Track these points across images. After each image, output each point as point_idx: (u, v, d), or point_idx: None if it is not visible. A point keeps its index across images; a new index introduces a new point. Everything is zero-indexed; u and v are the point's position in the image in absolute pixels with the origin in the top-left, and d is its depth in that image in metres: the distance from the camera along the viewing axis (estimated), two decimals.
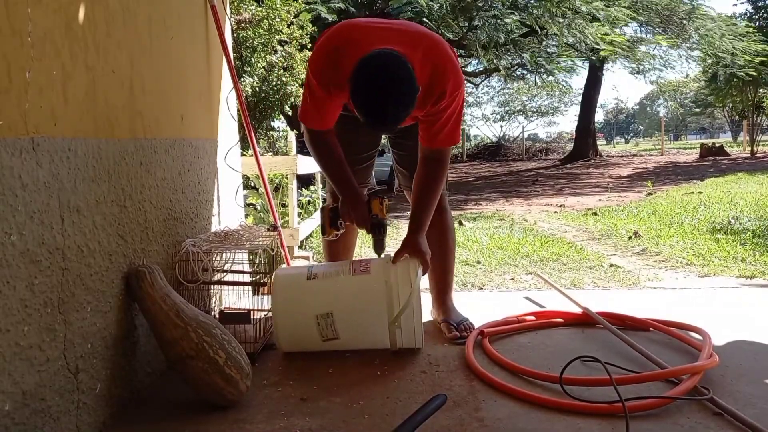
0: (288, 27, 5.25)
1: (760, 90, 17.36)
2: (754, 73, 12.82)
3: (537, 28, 9.90)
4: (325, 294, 1.95)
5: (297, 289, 1.98)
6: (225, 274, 2.08)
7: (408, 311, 1.89)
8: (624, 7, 10.46)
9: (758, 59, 12.14)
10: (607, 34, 10.22)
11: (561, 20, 9.58)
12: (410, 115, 1.75)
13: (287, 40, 5.32)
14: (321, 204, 2.55)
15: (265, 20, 5.05)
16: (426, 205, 2.02)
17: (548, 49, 12.23)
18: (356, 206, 2.00)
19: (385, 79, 1.65)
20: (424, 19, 8.76)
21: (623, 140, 56.42)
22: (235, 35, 4.43)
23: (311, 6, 7.49)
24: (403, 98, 1.68)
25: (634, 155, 21.19)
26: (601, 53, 10.98)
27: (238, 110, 2.72)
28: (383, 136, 2.34)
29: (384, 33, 1.84)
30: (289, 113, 5.93)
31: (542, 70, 12.13)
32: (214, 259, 2.02)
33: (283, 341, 1.98)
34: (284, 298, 1.95)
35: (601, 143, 33.42)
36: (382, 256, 2.04)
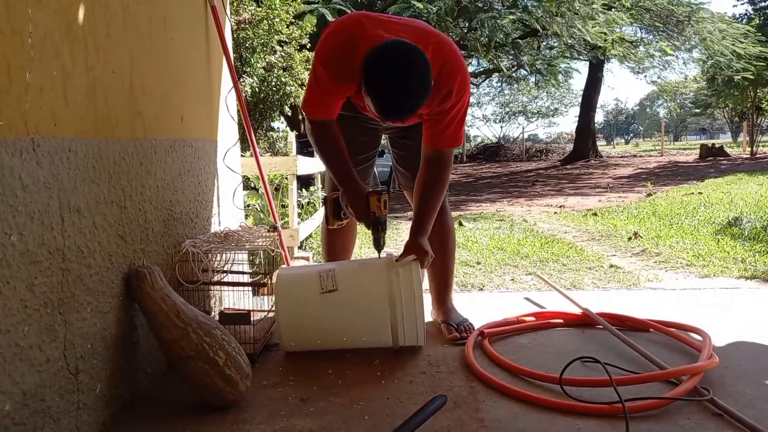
0: (287, 27, 5.25)
1: (761, 90, 17.36)
2: (751, 77, 12.83)
3: (538, 28, 9.91)
4: (330, 264, 2.15)
5: (304, 267, 2.39)
6: (225, 274, 2.08)
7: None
8: (625, 7, 10.47)
9: (757, 64, 12.14)
10: (605, 33, 10.22)
11: (560, 20, 9.59)
12: (420, 109, 1.73)
13: (287, 40, 5.33)
14: (321, 202, 2.59)
15: (265, 20, 5.04)
16: (429, 208, 2.00)
17: (547, 51, 12.23)
18: (356, 201, 1.98)
19: (403, 67, 1.62)
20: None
21: (623, 141, 56.43)
22: (234, 36, 4.43)
23: (314, 6, 7.49)
24: (420, 86, 1.65)
25: (634, 156, 21.18)
26: (604, 51, 10.97)
27: (237, 111, 2.72)
28: (383, 136, 2.33)
29: (394, 26, 1.83)
30: (289, 113, 5.94)
31: (540, 73, 12.13)
32: (214, 259, 2.02)
33: (281, 294, 1.97)
34: (291, 269, 2.21)
35: (601, 144, 33.42)
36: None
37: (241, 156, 2.91)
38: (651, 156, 20.56)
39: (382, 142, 2.48)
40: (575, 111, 31.01)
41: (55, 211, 1.30)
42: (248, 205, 3.83)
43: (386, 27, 1.81)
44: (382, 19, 1.89)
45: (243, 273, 2.14)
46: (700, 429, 1.43)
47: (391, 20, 1.89)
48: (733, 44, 11.97)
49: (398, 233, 5.40)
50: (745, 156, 16.96)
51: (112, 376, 1.54)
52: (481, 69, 15.88)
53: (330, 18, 8.19)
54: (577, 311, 2.32)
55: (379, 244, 2.01)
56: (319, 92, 1.90)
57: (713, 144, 18.82)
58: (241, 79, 4.74)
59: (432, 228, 2.08)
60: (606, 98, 65.81)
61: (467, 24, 10.09)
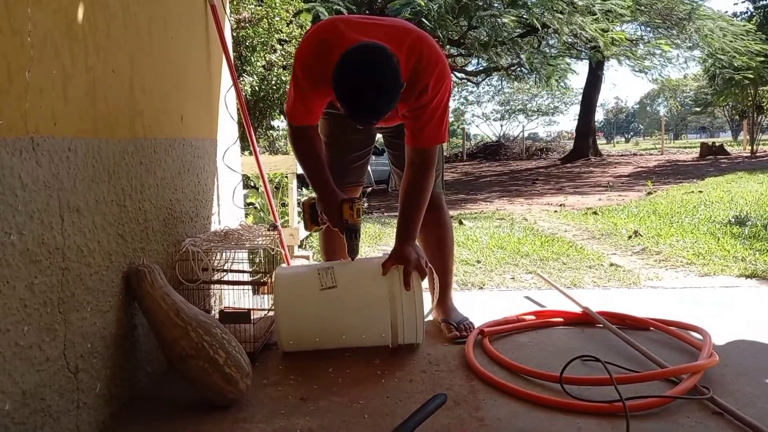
0: (287, 26, 5.25)
1: (761, 89, 17.35)
2: (751, 76, 12.82)
3: (538, 26, 9.89)
4: (329, 262, 2.15)
5: (302, 266, 2.46)
6: (225, 273, 2.08)
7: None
8: (625, 6, 10.45)
9: (758, 59, 12.13)
10: (606, 30, 10.18)
11: (561, 16, 9.56)
12: (393, 109, 1.72)
13: (287, 39, 5.33)
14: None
15: (265, 19, 5.04)
16: (413, 213, 1.98)
17: (546, 51, 12.21)
18: (329, 208, 2.00)
19: (367, 70, 1.62)
20: (423, 20, 8.75)
21: (623, 139, 56.41)
22: (234, 34, 4.43)
23: (311, 4, 7.48)
24: (384, 89, 1.65)
25: (634, 154, 21.16)
26: (603, 53, 10.95)
27: (237, 109, 2.72)
28: (378, 135, 2.33)
29: (370, 28, 1.83)
30: None
31: (538, 72, 12.11)
32: (214, 258, 2.02)
33: (279, 293, 1.96)
34: (289, 268, 2.22)
35: (601, 142, 33.42)
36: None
37: (241, 155, 2.91)
38: (651, 154, 20.54)
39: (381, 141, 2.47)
40: (575, 109, 31.04)
41: (54, 210, 1.30)
42: (249, 204, 3.83)
43: (362, 30, 1.81)
44: (359, 21, 1.89)
45: (243, 272, 2.15)
46: (701, 427, 1.43)
47: (368, 22, 1.89)
48: (733, 42, 11.95)
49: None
50: (745, 154, 16.95)
51: (112, 375, 1.54)
52: (481, 68, 15.86)
53: (325, 16, 8.17)
54: (578, 310, 2.32)
55: (352, 251, 2.02)
56: (298, 97, 1.91)
57: (713, 142, 18.82)
58: (241, 78, 4.74)
59: (430, 226, 2.07)
60: (606, 96, 66.05)
61: (467, 22, 10.07)
